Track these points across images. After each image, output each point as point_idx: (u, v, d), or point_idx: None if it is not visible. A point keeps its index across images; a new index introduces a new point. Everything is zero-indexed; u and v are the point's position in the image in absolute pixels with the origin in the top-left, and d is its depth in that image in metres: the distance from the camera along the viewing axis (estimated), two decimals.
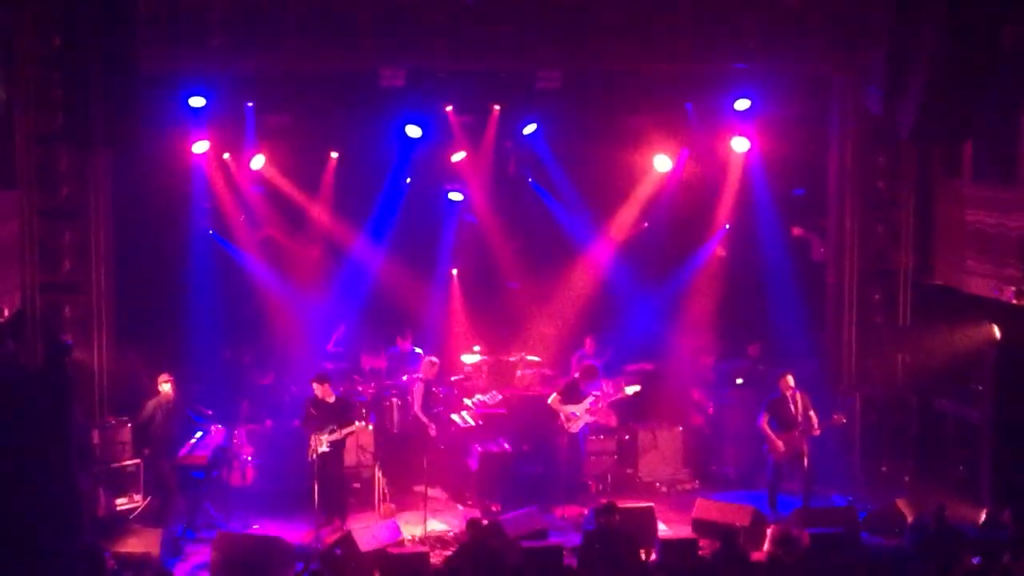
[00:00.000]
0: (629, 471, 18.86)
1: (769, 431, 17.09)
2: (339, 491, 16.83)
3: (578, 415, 17.75)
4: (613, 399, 18.79)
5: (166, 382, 16.85)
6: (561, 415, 17.68)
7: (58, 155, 17.36)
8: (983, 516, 16.10)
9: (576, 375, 18.13)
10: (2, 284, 16.41)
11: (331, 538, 15.59)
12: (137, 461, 17.10)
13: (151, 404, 16.89)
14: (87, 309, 17.76)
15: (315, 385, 16.91)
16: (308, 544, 15.82)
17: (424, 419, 18.21)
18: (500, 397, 19.28)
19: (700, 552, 14.78)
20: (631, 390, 18.74)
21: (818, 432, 17.02)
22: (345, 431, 16.77)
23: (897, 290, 19.24)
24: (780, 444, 16.98)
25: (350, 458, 17.83)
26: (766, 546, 14.84)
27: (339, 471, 16.90)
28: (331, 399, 16.90)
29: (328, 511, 16.54)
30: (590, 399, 17.86)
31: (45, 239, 17.42)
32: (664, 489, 18.56)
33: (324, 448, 16.52)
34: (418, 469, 17.10)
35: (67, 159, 17.38)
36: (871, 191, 19.10)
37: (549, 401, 17.84)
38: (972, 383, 18.00)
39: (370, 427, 17.71)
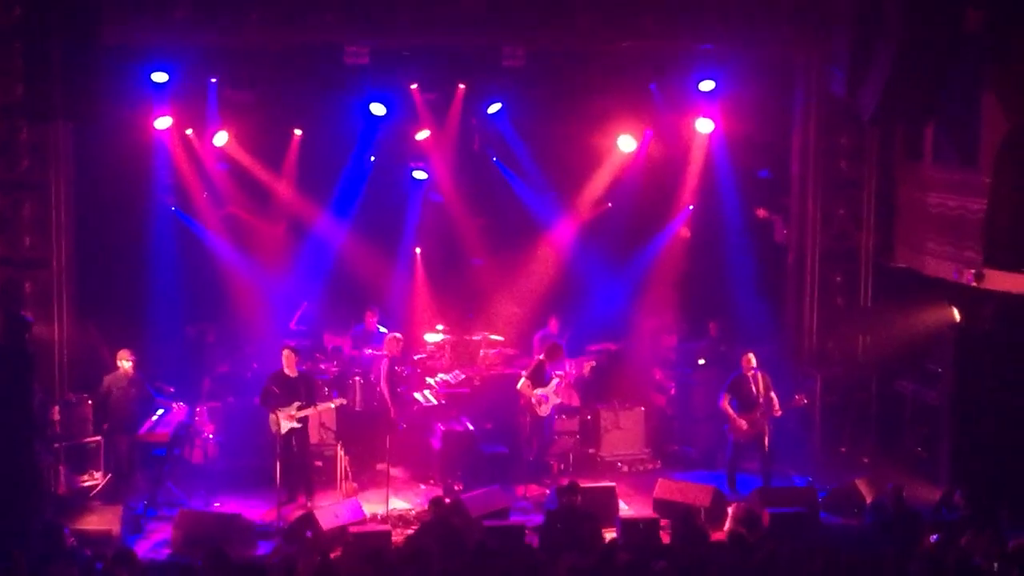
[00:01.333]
0: (591, 451, 18.90)
1: (731, 411, 17.17)
2: (306, 468, 16.84)
3: (548, 397, 17.76)
4: (575, 378, 18.82)
5: (126, 359, 16.76)
6: (533, 399, 17.67)
7: (18, 127, 17.23)
8: (939, 496, 16.25)
9: (541, 356, 18.13)
10: None
11: (293, 516, 15.57)
12: (98, 438, 17.04)
13: (108, 379, 16.83)
14: (47, 284, 17.68)
15: (286, 352, 16.85)
16: (270, 522, 15.79)
17: (387, 397, 18.18)
18: (463, 376, 19.26)
19: (662, 531, 14.84)
20: (587, 367, 18.87)
21: (779, 413, 17.12)
22: (322, 405, 16.92)
23: (858, 271, 19.40)
24: (742, 424, 17.06)
25: (313, 436, 17.79)
26: (727, 524, 14.93)
27: (307, 447, 16.93)
28: (294, 374, 16.86)
29: (293, 489, 16.54)
30: (556, 380, 17.87)
31: (5, 212, 17.30)
32: (626, 469, 18.60)
33: (294, 424, 16.55)
34: (381, 448, 17.10)
35: (27, 131, 17.26)
36: (834, 172, 19.23)
37: (519, 387, 17.79)
38: (932, 365, 18.15)
39: (343, 402, 17.68)
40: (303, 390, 16.81)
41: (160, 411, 16.95)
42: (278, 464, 16.13)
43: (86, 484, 16.84)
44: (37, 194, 17.51)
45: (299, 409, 16.63)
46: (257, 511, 16.19)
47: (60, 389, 17.48)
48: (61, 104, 14.74)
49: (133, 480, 16.88)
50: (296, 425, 16.60)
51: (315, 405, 16.85)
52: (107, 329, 18.65)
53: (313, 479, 17.01)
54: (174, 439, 16.84)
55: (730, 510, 15.31)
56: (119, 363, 16.79)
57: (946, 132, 17.53)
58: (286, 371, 16.83)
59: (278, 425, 16.54)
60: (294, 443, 16.62)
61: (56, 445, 16.46)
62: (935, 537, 12.98)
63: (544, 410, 17.72)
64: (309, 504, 16.33)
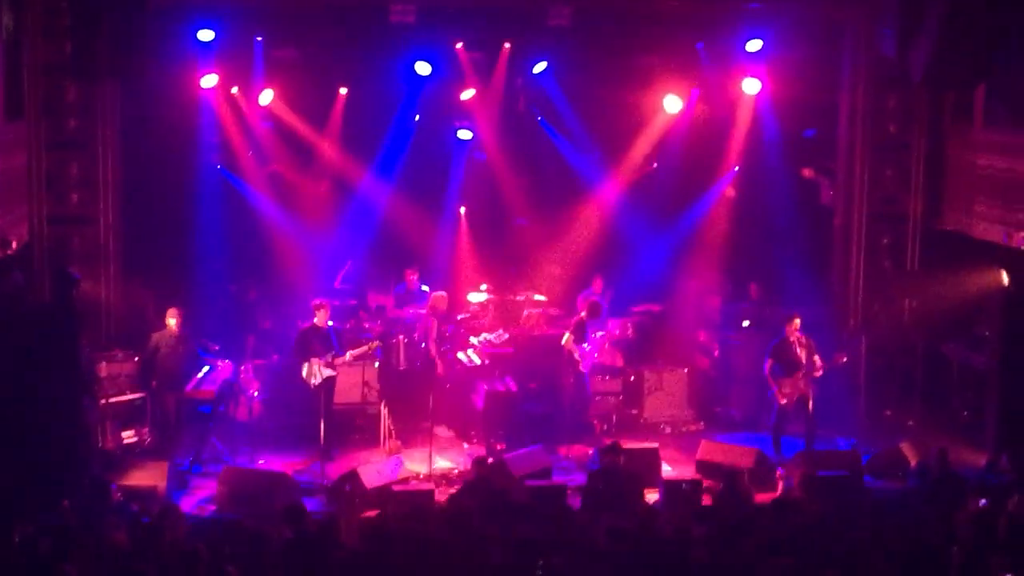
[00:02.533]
0: (634, 412, 18.90)
1: (773, 380, 17.05)
2: (331, 417, 17.01)
3: (586, 354, 17.78)
4: (619, 339, 18.79)
5: (172, 317, 16.88)
6: (575, 354, 17.70)
7: (66, 86, 17.36)
8: (985, 461, 16.15)
9: (582, 313, 18.13)
10: (10, 216, 16.41)
11: (337, 473, 15.67)
12: (144, 395, 17.16)
13: (155, 337, 16.93)
14: (95, 242, 17.84)
15: (319, 311, 17.20)
16: (313, 480, 15.90)
17: (434, 355, 18.24)
18: (506, 336, 19.25)
19: (704, 493, 14.82)
20: (628, 332, 18.95)
21: (820, 373, 16.98)
22: (357, 351, 17.29)
23: (906, 235, 19.25)
24: (785, 389, 16.93)
25: (356, 395, 17.91)
26: (791, 490, 14.82)
27: (333, 395, 17.26)
28: (326, 326, 17.22)
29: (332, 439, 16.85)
30: (596, 336, 17.87)
31: (52, 171, 17.45)
32: (668, 430, 18.58)
33: (331, 372, 16.94)
34: (424, 407, 17.14)
35: (75, 90, 17.38)
36: (882, 134, 19.07)
37: (563, 342, 17.83)
38: (979, 329, 18.01)
39: (378, 344, 17.93)
40: (335, 341, 17.18)
41: (206, 368, 17.05)
42: (322, 422, 16.24)
43: (133, 440, 17.00)
44: (85, 152, 17.63)
45: (334, 358, 16.96)
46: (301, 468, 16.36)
47: (107, 346, 17.62)
48: (108, 63, 14.77)
49: (179, 437, 17.01)
50: (332, 373, 16.98)
51: (349, 352, 17.19)
52: (153, 286, 18.78)
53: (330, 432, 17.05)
54: (219, 396, 16.95)
55: (784, 473, 15.24)
56: (167, 321, 16.91)
57: (998, 93, 17.31)
58: (318, 323, 17.15)
59: (314, 376, 16.85)
60: (327, 392, 16.96)
61: (103, 401, 16.62)
62: (983, 501, 12.89)
63: (584, 366, 17.74)
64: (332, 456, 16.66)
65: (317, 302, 17.48)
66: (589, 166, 21.46)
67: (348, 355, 17.23)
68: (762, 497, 14.47)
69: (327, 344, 17.10)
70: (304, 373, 17.00)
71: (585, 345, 17.77)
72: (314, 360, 16.92)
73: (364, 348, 17.50)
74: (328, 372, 16.97)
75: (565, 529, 11.79)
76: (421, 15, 18.21)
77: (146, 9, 14.76)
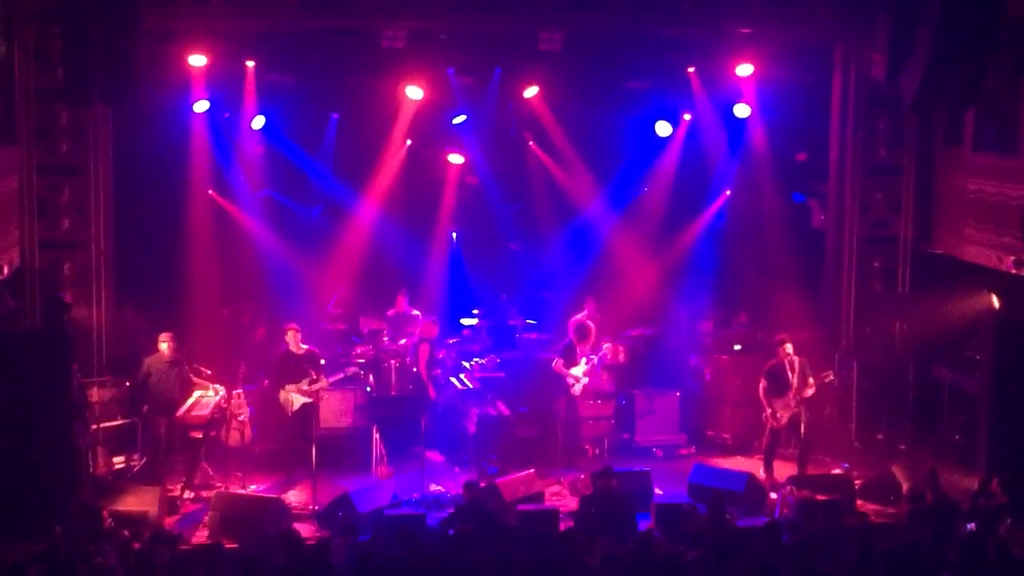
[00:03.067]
0: (626, 436, 18.88)
1: (766, 402, 17.06)
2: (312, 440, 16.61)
3: (578, 377, 17.80)
4: (610, 363, 18.80)
5: (164, 341, 16.85)
6: (568, 379, 17.72)
7: (58, 111, 17.35)
8: (977, 484, 16.13)
9: (572, 337, 18.14)
10: (2, 241, 16.38)
11: (328, 499, 15.63)
12: (135, 420, 17.12)
13: (147, 361, 16.91)
14: (86, 267, 17.79)
15: (290, 333, 17.11)
16: (304, 505, 15.86)
17: (426, 379, 18.23)
18: (498, 360, 19.28)
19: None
20: (621, 357, 18.84)
21: (810, 392, 16.97)
22: (333, 378, 17.15)
23: (896, 258, 19.29)
24: (780, 414, 16.94)
25: (347, 419, 17.88)
26: (789, 512, 14.79)
27: (317, 420, 17.02)
28: (300, 352, 17.12)
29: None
30: (584, 360, 17.88)
31: (44, 196, 17.42)
32: (660, 454, 18.57)
33: (306, 400, 16.86)
34: (416, 431, 17.13)
35: (67, 115, 17.38)
36: (872, 158, 19.12)
37: (554, 366, 17.85)
38: (970, 352, 18.01)
39: (356, 371, 17.85)
40: (312, 365, 17.07)
41: (197, 393, 17.03)
42: (313, 448, 16.19)
43: (123, 465, 16.95)
44: (76, 178, 17.60)
45: (310, 384, 16.88)
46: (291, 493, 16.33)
47: (98, 371, 17.58)
48: (100, 88, 14.77)
49: (170, 462, 16.98)
50: (308, 400, 16.88)
51: (325, 378, 17.08)
52: (145, 311, 18.78)
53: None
54: (211, 421, 16.92)
55: (780, 496, 15.22)
56: (158, 345, 16.88)
57: (987, 118, 17.38)
58: (292, 349, 17.09)
59: (290, 403, 16.78)
60: (311, 418, 16.76)
61: (94, 426, 16.58)
62: (972, 525, 12.89)
63: (576, 390, 17.75)
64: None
65: (287, 326, 17.43)
66: (580, 190, 21.49)
67: (325, 381, 17.13)
68: (754, 522, 14.44)
69: (302, 370, 17.00)
70: (281, 400, 16.98)
71: (574, 370, 17.75)
72: (289, 387, 16.90)
73: (340, 375, 17.41)
74: (302, 400, 16.84)
75: (558, 555, 11.76)
76: (412, 40, 18.25)
77: (138, 34, 14.76)
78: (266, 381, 18.40)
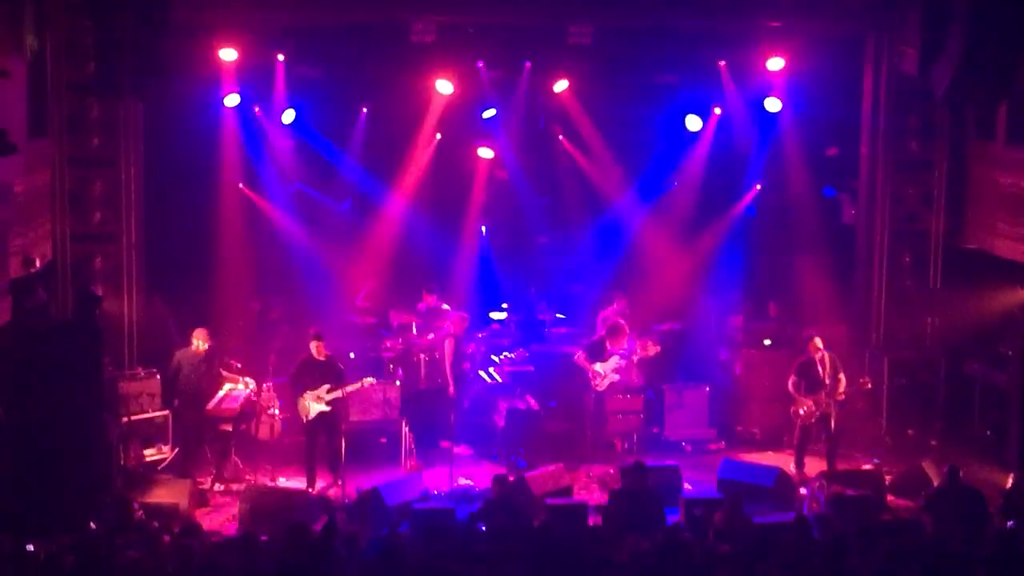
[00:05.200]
0: (655, 430, 18.85)
1: (798, 394, 17.04)
2: (336, 452, 16.50)
3: (604, 374, 17.76)
4: (640, 357, 18.78)
5: (198, 338, 16.86)
6: (589, 372, 17.69)
7: (89, 104, 17.44)
8: (1010, 481, 16.04)
9: (603, 333, 18.11)
10: (34, 234, 16.48)
11: (355, 493, 15.67)
12: (166, 412, 17.19)
13: (178, 355, 16.97)
14: (117, 260, 17.88)
15: (313, 343, 16.70)
16: (335, 497, 15.90)
17: (449, 376, 18.23)
18: (527, 354, 19.27)
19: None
20: (653, 351, 18.75)
21: (843, 397, 16.96)
22: (349, 388, 16.74)
23: (928, 253, 19.19)
24: (809, 406, 16.92)
25: (377, 413, 17.89)
26: (820, 507, 14.70)
27: (338, 430, 16.60)
28: (322, 357, 16.76)
29: (314, 472, 16.56)
30: (616, 358, 17.84)
31: (76, 189, 17.52)
32: (689, 448, 18.54)
33: (323, 408, 16.52)
34: (445, 425, 17.14)
35: (98, 109, 17.46)
36: (904, 153, 19.03)
37: (576, 358, 17.85)
38: (1002, 347, 17.91)
39: (372, 381, 17.34)
40: (332, 374, 16.69)
41: (228, 386, 17.08)
42: (343, 441, 16.21)
43: (154, 458, 17.03)
44: (107, 171, 17.70)
45: (328, 392, 16.54)
46: (321, 487, 16.37)
47: (129, 363, 17.67)
48: (131, 82, 14.86)
49: (200, 454, 17.05)
50: (325, 409, 16.53)
51: (344, 388, 16.67)
52: (175, 304, 18.85)
53: (341, 463, 16.44)
54: (241, 415, 16.98)
55: (810, 491, 15.14)
56: (194, 341, 16.89)
57: (1020, 111, 17.24)
58: (315, 355, 16.71)
59: (307, 410, 16.52)
60: (323, 428, 16.58)
61: (125, 419, 16.65)
62: (1011, 523, 12.78)
63: (600, 385, 17.73)
64: (338, 485, 16.34)
65: (313, 332, 17.05)
66: (610, 184, 21.45)
67: (342, 391, 16.68)
68: (781, 517, 14.37)
69: (323, 377, 16.62)
70: (298, 407, 16.73)
71: (601, 365, 17.71)
72: (307, 394, 16.57)
73: (357, 385, 16.85)
74: (320, 407, 16.51)
75: (586, 550, 11.74)
76: (441, 34, 18.28)
77: (169, 28, 14.83)
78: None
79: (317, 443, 16.61)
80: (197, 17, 17.28)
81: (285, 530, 11.91)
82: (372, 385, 17.26)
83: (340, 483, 16.35)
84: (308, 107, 20.17)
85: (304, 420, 16.66)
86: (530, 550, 11.50)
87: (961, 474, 14.12)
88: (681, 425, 18.82)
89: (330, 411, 16.61)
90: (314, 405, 16.52)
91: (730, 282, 21.01)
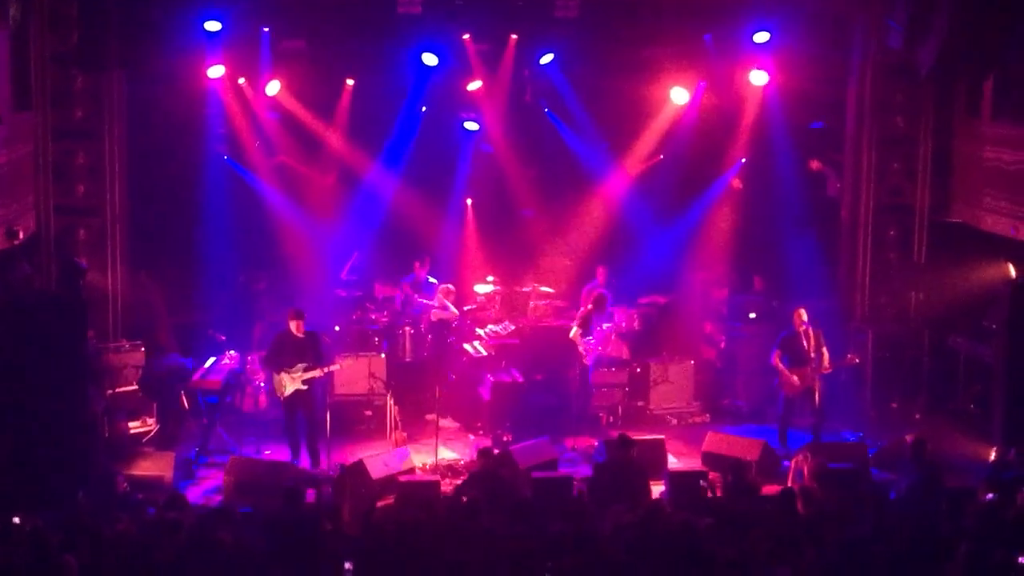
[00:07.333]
0: (640, 403, 18.87)
1: (782, 367, 17.07)
2: (315, 429, 16.33)
3: (592, 347, 17.79)
4: (625, 330, 18.78)
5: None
6: (580, 347, 17.71)
7: (73, 76, 17.34)
8: (993, 454, 16.12)
9: (589, 306, 18.12)
10: (17, 206, 16.42)
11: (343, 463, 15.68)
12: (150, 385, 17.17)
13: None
14: (101, 232, 17.85)
15: (292, 321, 16.27)
16: (320, 470, 15.91)
17: (434, 349, 18.19)
18: (513, 328, 19.29)
19: (710, 484, 14.77)
20: (635, 320, 18.82)
21: (829, 370, 17.00)
22: (327, 369, 16.49)
23: (912, 227, 19.24)
24: (794, 380, 16.95)
25: (362, 386, 17.89)
26: (803, 480, 14.74)
27: (315, 407, 16.41)
28: (301, 335, 16.36)
29: (296, 450, 16.39)
30: (599, 330, 17.87)
31: (59, 161, 17.46)
32: (674, 422, 18.59)
33: (299, 386, 16.18)
34: (430, 398, 17.15)
35: (82, 80, 17.37)
36: (889, 127, 19.03)
37: (571, 335, 17.83)
38: (986, 321, 17.97)
39: (337, 367, 17.12)
40: (310, 351, 16.34)
41: (212, 359, 17.06)
42: (326, 415, 16.21)
43: (138, 430, 17.00)
44: (91, 143, 17.64)
45: (305, 371, 16.21)
46: (306, 459, 16.34)
47: (113, 336, 17.64)
48: (115, 53, 14.83)
49: (185, 427, 17.04)
50: (302, 387, 16.20)
51: (321, 367, 16.34)
52: (159, 276, 18.81)
53: (319, 441, 16.33)
54: (225, 387, 16.96)
55: (807, 467, 15.18)
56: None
57: (1006, 86, 17.27)
58: (293, 331, 16.30)
59: (282, 387, 16.20)
60: (302, 403, 16.29)
61: (109, 392, 16.63)
62: (991, 496, 12.85)
63: (589, 359, 17.76)
64: (317, 460, 16.24)
65: (293, 310, 16.52)
66: (596, 158, 21.44)
67: (319, 371, 16.22)
68: (768, 489, 14.44)
69: (299, 355, 16.22)
70: (273, 383, 16.42)
71: (589, 338, 17.76)
72: (283, 372, 16.18)
73: (317, 372, 16.27)
74: (294, 386, 16.17)
75: (572, 522, 11.77)
76: (428, 6, 18.20)
77: None
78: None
79: (296, 418, 16.41)
80: None
81: (282, 494, 11.95)
82: (357, 358, 17.21)
83: (316, 458, 16.24)
84: (293, 79, 20.07)
85: (280, 396, 16.41)
86: (512, 522, 11.52)
87: (928, 447, 14.16)
88: (666, 398, 18.86)
89: (307, 389, 16.26)
90: (289, 384, 16.21)
91: (715, 255, 21.04)
